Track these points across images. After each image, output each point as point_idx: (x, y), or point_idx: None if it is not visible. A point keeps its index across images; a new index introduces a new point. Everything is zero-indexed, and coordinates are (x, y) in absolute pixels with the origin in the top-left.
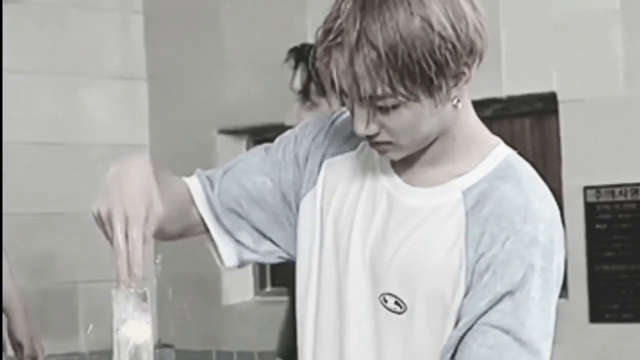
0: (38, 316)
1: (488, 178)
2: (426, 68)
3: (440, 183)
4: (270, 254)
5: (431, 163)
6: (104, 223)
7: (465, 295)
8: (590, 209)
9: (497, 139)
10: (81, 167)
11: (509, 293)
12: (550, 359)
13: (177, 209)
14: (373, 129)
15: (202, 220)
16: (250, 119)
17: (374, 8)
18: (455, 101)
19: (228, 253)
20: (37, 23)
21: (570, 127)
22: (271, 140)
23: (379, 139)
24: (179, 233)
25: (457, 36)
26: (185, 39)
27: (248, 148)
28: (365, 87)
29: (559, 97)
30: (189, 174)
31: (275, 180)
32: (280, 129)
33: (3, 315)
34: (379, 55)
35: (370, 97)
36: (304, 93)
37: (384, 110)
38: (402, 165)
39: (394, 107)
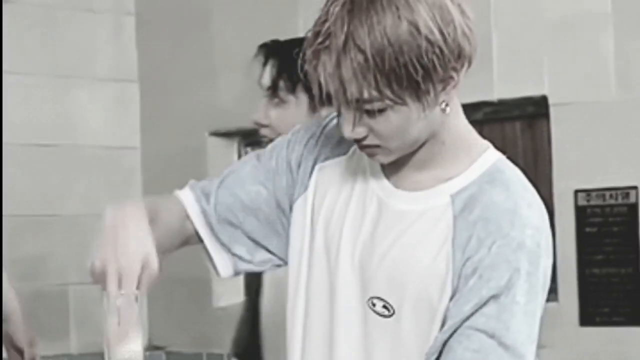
0: (29, 318)
1: (477, 182)
2: (413, 72)
3: (429, 187)
4: (265, 263)
5: (420, 167)
6: (98, 278)
7: (452, 298)
8: (581, 213)
9: (487, 143)
10: (73, 169)
11: (495, 297)
12: None
13: (173, 230)
14: (360, 132)
15: (197, 234)
16: (242, 121)
17: (361, 12)
18: (443, 105)
19: (224, 265)
20: (28, 24)
21: (561, 130)
22: (262, 143)
23: (367, 142)
24: (176, 247)
25: (445, 40)
26: (178, 42)
27: (239, 150)
28: (352, 90)
29: (550, 101)
30: (180, 176)
31: (270, 188)
32: None
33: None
34: (366, 59)
35: (357, 101)
36: (273, 89)
37: (371, 113)
38: (391, 169)
39: (381, 110)
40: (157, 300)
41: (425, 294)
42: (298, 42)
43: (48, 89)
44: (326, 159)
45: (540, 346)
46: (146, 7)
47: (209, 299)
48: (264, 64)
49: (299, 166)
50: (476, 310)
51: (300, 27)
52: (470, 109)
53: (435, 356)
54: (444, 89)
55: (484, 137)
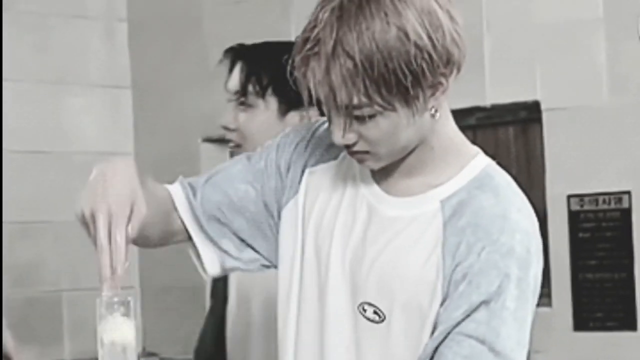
0: (23, 324)
1: (466, 188)
2: (402, 78)
3: (418, 193)
4: (253, 262)
5: (410, 173)
6: (87, 222)
7: (442, 304)
8: (574, 217)
9: (477, 149)
10: (66, 175)
11: (485, 303)
12: None
13: (158, 215)
14: (350, 138)
15: (185, 227)
16: None
17: (350, 18)
18: (433, 111)
19: (211, 260)
20: (20, 30)
21: (554, 135)
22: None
23: (357, 148)
24: (159, 239)
25: (434, 46)
26: (170, 48)
27: (232, 156)
28: (342, 96)
29: (543, 106)
30: (173, 182)
31: (258, 189)
32: None
33: None
34: (355, 65)
35: (347, 107)
36: (241, 94)
37: (361, 119)
38: (381, 175)
39: (371, 116)
40: (151, 307)
41: (415, 300)
42: (265, 46)
43: (40, 95)
44: (316, 163)
45: (534, 351)
46: (138, 13)
47: (203, 304)
48: (231, 68)
49: (288, 170)
50: (466, 316)
51: (292, 32)
52: (463, 114)
53: None
54: (433, 94)
55: (477, 142)
